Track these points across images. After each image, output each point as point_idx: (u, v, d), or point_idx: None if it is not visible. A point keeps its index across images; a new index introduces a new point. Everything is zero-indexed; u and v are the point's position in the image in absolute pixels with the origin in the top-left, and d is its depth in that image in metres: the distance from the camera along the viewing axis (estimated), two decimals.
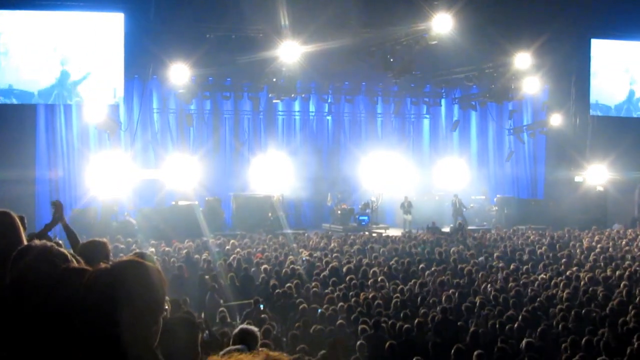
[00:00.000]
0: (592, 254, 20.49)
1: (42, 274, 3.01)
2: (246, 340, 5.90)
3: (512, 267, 18.10)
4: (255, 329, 6.25)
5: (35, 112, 28.12)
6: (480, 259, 19.88)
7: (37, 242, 3.20)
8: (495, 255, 20.30)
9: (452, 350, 10.06)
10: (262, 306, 13.41)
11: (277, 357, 2.34)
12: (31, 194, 26.85)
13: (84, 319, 2.58)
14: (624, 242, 23.38)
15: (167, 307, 4.82)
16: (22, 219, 9.06)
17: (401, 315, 12.54)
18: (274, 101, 31.75)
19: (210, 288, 15.05)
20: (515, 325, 11.73)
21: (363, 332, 11.23)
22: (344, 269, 17.38)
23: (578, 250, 21.56)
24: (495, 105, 34.52)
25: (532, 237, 24.41)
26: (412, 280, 16.02)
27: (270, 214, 29.33)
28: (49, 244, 3.22)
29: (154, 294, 2.63)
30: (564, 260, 19.35)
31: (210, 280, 15.79)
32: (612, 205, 32.92)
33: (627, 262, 19.16)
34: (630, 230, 27.08)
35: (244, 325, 6.56)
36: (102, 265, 2.75)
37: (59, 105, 28.16)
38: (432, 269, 17.71)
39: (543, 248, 21.57)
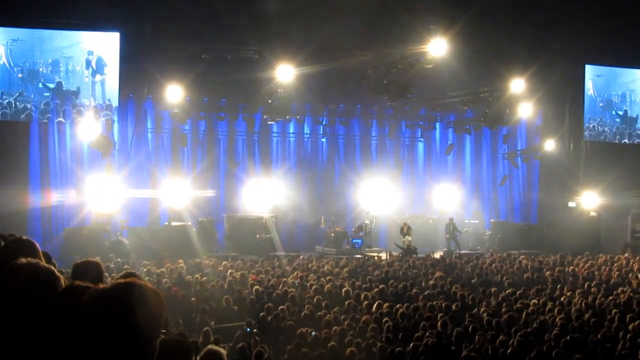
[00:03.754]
0: (585, 279, 20.49)
1: (36, 292, 2.99)
2: None
3: (507, 292, 18.04)
4: (221, 350, 6.17)
5: (29, 130, 28.07)
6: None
7: (23, 260, 3.16)
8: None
9: None
10: (249, 329, 13.32)
11: None
12: (23, 211, 26.71)
13: (81, 339, 2.56)
14: (615, 267, 23.40)
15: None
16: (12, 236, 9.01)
17: (393, 338, 12.47)
18: (269, 122, 31.75)
19: (201, 309, 14.96)
20: (509, 351, 11.67)
21: (355, 356, 11.16)
22: (337, 292, 17.32)
23: (571, 276, 21.53)
24: (490, 129, 34.62)
25: (525, 262, 24.37)
26: (405, 304, 15.95)
27: (258, 235, 29.24)
28: (34, 261, 3.19)
29: (152, 316, 2.61)
30: (557, 285, 19.34)
31: (201, 302, 15.71)
32: (605, 230, 32.96)
33: (620, 288, 19.14)
34: (622, 256, 27.06)
35: (210, 346, 6.48)
36: (101, 285, 2.73)
37: (53, 123, 28.13)
38: (426, 292, 17.65)
39: (535, 274, 21.58)
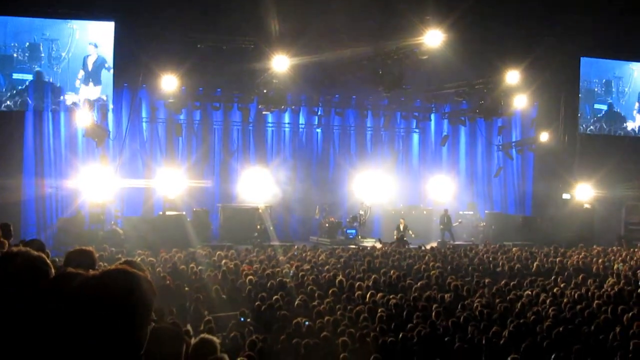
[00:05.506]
0: (579, 271, 20.55)
1: (28, 279, 3.00)
2: (206, 350, 5.86)
3: (500, 283, 18.09)
4: (214, 339, 6.21)
5: (23, 119, 27.93)
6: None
7: (14, 248, 3.18)
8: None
9: None
10: (242, 319, 13.33)
11: None
12: (17, 200, 26.65)
13: (71, 325, 2.57)
14: (608, 260, 23.48)
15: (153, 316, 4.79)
16: (7, 226, 9.00)
17: (386, 329, 12.50)
18: (264, 112, 31.75)
19: (195, 299, 14.98)
20: (502, 342, 11.71)
21: (347, 346, 11.19)
22: (331, 282, 17.34)
23: (564, 268, 21.59)
24: (485, 121, 34.62)
25: (518, 254, 24.41)
26: (399, 294, 15.99)
27: (258, 226, 29.27)
28: (24, 249, 3.21)
29: (142, 303, 2.62)
30: (551, 277, 19.40)
31: (195, 291, 15.73)
32: (599, 223, 33.03)
33: (612, 280, 19.21)
34: (616, 248, 27.15)
35: (204, 335, 6.52)
36: (92, 272, 2.74)
37: (48, 112, 27.95)
38: (419, 283, 17.70)
39: (529, 265, 21.66)
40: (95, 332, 2.51)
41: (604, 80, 35.45)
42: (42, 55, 26.65)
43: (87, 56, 27.43)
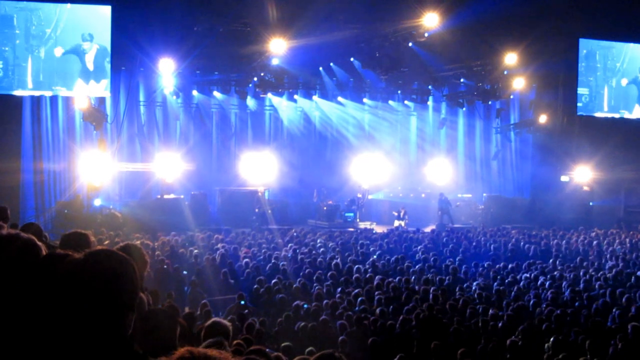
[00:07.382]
0: (577, 254, 20.58)
1: (18, 263, 2.99)
2: (218, 333, 5.89)
3: (499, 265, 18.10)
4: (227, 322, 6.25)
5: (21, 103, 27.77)
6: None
7: (4, 231, 3.16)
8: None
9: (431, 347, 10.07)
10: (242, 302, 13.33)
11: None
12: (16, 184, 26.56)
13: (58, 307, 2.55)
14: (607, 242, 23.50)
15: (144, 298, 4.80)
16: (4, 210, 8.97)
17: (385, 312, 12.50)
18: (262, 96, 31.64)
19: (192, 283, 14.98)
20: (500, 324, 11.72)
21: (346, 329, 11.20)
22: (329, 265, 17.35)
23: (563, 250, 21.61)
24: (483, 103, 34.52)
25: (516, 236, 24.43)
26: (397, 277, 16.00)
27: (256, 209, 29.27)
28: (13, 231, 3.19)
29: (125, 284, 2.60)
30: (549, 259, 19.43)
31: (192, 275, 15.74)
32: (598, 205, 33.03)
33: (611, 263, 19.24)
34: (615, 231, 27.15)
35: (216, 319, 6.56)
36: (77, 254, 2.72)
37: (45, 96, 27.79)
38: (417, 266, 17.71)
39: (527, 247, 21.69)
40: (78, 314, 2.50)
41: (585, 52, 33.70)
42: (17, 32, 22.76)
43: (83, 51, 25.44)
